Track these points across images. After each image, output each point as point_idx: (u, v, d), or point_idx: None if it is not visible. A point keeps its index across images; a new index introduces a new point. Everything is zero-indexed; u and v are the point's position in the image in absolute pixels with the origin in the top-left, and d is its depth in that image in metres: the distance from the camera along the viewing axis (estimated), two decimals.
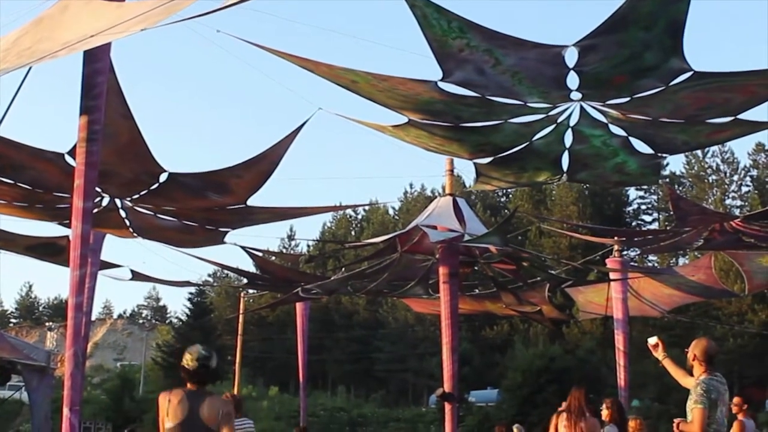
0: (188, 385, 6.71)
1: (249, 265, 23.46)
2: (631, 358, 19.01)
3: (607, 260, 18.84)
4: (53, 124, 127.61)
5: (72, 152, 9.94)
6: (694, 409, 7.19)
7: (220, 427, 6.60)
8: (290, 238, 77.92)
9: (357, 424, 48.07)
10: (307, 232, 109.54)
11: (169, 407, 6.55)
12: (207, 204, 12.98)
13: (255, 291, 32.83)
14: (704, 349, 7.47)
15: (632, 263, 24.53)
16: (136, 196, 12.60)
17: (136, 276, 18.33)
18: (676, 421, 7.60)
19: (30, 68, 8.35)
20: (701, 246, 16.64)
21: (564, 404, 10.57)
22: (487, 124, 10.75)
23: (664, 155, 12.28)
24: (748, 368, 46.81)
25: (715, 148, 60.39)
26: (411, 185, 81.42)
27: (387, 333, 64.90)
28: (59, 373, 23.76)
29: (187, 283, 27.94)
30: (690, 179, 64.60)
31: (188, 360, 6.72)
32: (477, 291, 20.52)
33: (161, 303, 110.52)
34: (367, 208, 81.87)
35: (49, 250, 15.32)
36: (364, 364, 65.89)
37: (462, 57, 8.56)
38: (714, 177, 63.34)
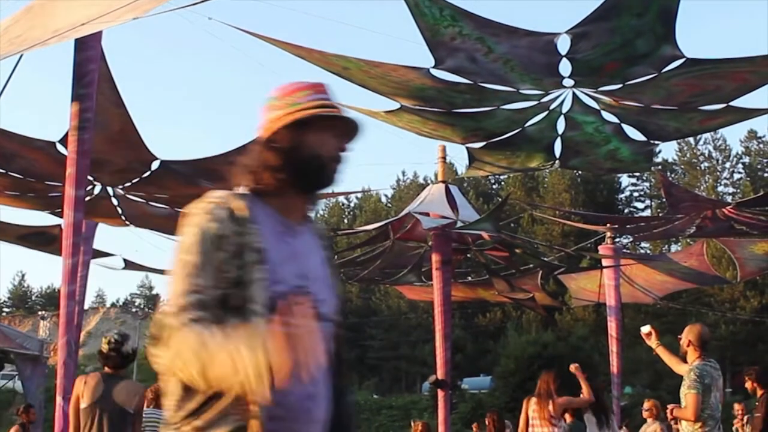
0: (105, 369, 6.92)
1: None
2: (624, 345, 19.08)
3: (599, 247, 18.88)
4: (45, 113, 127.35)
5: (63, 141, 9.92)
6: (687, 394, 7.21)
7: (137, 412, 6.88)
8: None
9: None
10: None
11: (84, 389, 6.73)
12: (199, 191, 12.81)
13: None
14: (698, 334, 7.49)
15: (624, 250, 24.57)
16: (128, 184, 12.59)
17: (129, 265, 18.30)
18: (669, 407, 7.63)
19: (21, 56, 8.33)
20: (693, 233, 16.68)
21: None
22: (480, 110, 10.76)
23: (656, 142, 12.30)
24: (740, 355, 46.98)
25: (707, 135, 60.57)
26: (403, 173, 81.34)
27: (380, 320, 64.96)
28: (52, 362, 23.76)
29: None
30: (682, 166, 64.75)
31: (103, 344, 6.93)
32: (470, 278, 20.53)
33: (154, 291, 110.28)
34: (359, 195, 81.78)
35: (42, 239, 15.29)
36: (356, 351, 65.97)
37: (454, 45, 8.56)
38: (706, 164, 63.56)
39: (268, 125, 2.52)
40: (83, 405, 6.69)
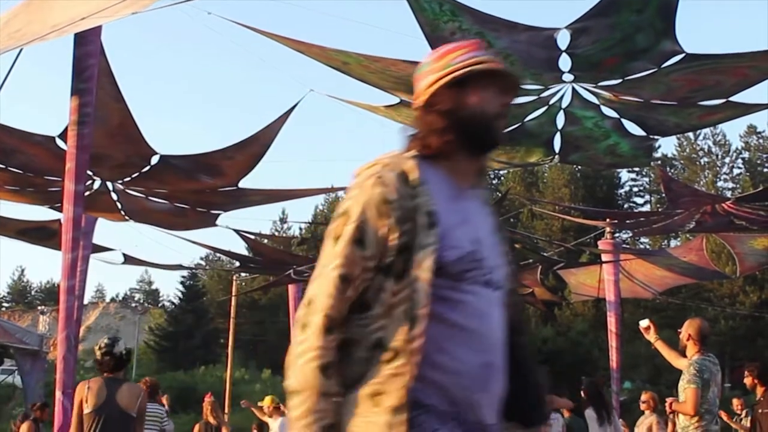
0: (105, 374, 7.00)
1: (241, 248, 23.46)
2: (623, 340, 19.06)
3: (599, 242, 18.87)
4: (45, 107, 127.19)
5: (63, 135, 9.91)
6: (687, 388, 7.21)
7: (139, 415, 6.98)
8: (282, 220, 77.69)
9: None
10: (300, 214, 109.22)
11: (87, 394, 6.80)
12: (199, 186, 12.97)
13: (247, 274, 32.83)
14: (698, 328, 7.50)
15: (624, 245, 24.57)
16: (128, 179, 12.58)
17: (129, 259, 18.29)
18: (669, 400, 7.64)
19: (21, 50, 8.32)
20: (693, 228, 16.67)
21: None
22: None
23: (656, 137, 12.30)
24: (740, 350, 46.98)
25: (707, 130, 60.65)
26: None
27: None
28: (52, 356, 23.79)
29: (180, 267, 27.94)
30: (682, 161, 64.74)
31: (96, 352, 7.06)
32: None
33: (154, 286, 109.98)
34: None
35: (41, 234, 15.28)
36: None
37: (454, 40, 8.54)
38: (706, 159, 63.55)
39: (425, 90, 2.44)
40: (87, 410, 6.73)
